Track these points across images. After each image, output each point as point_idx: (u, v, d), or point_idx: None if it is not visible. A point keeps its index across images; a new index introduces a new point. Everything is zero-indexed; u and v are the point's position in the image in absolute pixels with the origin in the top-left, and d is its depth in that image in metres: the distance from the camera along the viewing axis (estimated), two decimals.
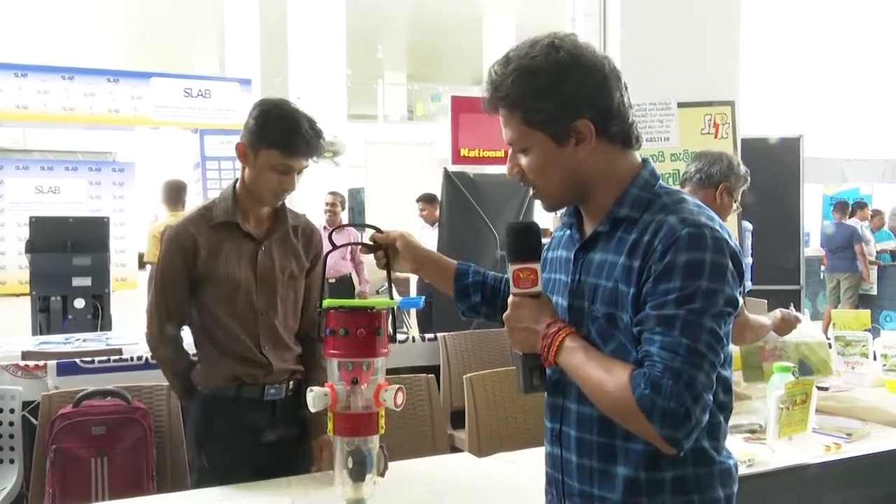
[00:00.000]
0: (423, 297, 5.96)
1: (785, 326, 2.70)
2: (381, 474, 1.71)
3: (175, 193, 5.61)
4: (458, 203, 5.30)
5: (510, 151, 1.41)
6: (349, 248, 6.01)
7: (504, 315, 1.41)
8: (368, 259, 6.29)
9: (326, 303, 1.64)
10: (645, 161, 1.40)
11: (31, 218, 5.48)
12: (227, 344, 2.13)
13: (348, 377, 1.65)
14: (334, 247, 1.78)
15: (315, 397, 1.62)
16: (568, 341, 1.32)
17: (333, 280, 6.25)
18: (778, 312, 2.71)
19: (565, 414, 1.40)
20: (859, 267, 9.02)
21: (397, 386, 1.67)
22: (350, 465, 1.67)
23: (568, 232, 1.48)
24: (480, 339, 3.94)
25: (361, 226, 2.02)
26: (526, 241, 1.41)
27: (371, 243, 1.68)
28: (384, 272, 1.70)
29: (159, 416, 2.64)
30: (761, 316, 2.72)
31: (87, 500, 2.39)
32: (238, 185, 2.14)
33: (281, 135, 2.03)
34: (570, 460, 1.39)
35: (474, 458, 2.20)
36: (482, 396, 2.83)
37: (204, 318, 2.15)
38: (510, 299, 1.40)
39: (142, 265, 14.42)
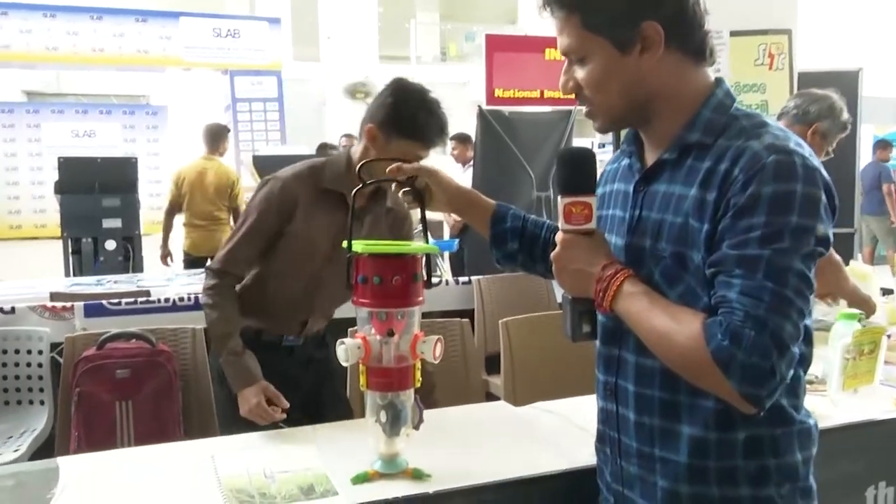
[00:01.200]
0: (457, 240, 5.86)
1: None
2: (416, 427, 1.60)
3: (215, 137, 5.55)
4: (492, 142, 5.11)
5: (565, 63, 1.24)
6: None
7: (552, 255, 1.25)
8: None
9: (359, 247, 1.50)
10: (718, 80, 1.23)
11: (59, 158, 5.40)
12: (272, 302, 2.09)
13: (382, 328, 1.52)
14: (364, 184, 1.62)
15: (347, 350, 1.50)
16: (627, 285, 1.17)
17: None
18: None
19: (622, 366, 1.26)
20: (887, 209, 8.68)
21: (436, 337, 1.54)
22: (383, 420, 1.55)
23: (626, 162, 1.32)
24: (516, 283, 3.80)
25: (392, 160, 1.93)
26: (580, 171, 1.25)
27: (403, 179, 1.53)
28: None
29: (184, 359, 2.56)
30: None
31: (112, 444, 2.32)
32: (355, 158, 2.03)
33: (420, 127, 1.94)
34: (627, 417, 1.25)
35: (511, 406, 2.07)
36: (518, 342, 2.70)
37: (265, 270, 2.09)
38: (559, 237, 1.25)
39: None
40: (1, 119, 12.11)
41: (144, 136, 12.68)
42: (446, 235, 6.51)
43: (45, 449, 2.59)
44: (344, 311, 2.01)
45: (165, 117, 12.93)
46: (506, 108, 5.37)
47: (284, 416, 1.92)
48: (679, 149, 1.19)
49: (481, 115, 5.14)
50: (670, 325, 1.12)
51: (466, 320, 2.80)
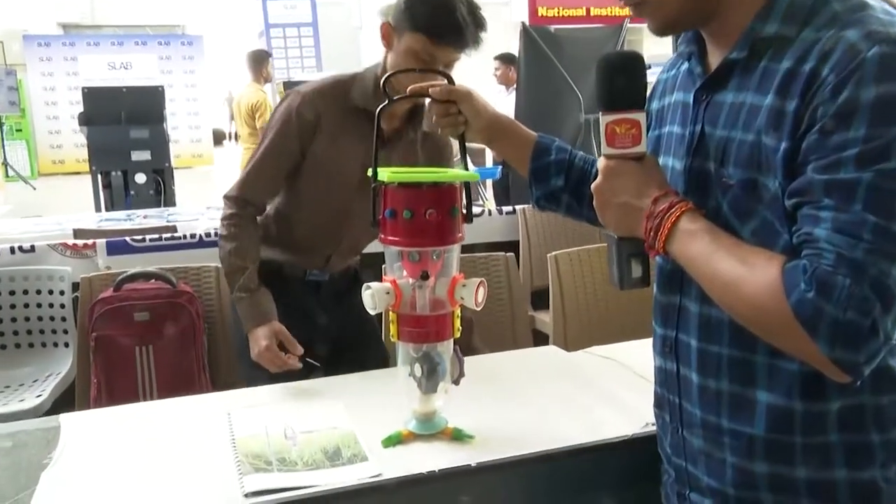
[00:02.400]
0: (500, 166, 5.58)
1: None
2: (456, 382, 1.39)
3: (256, 63, 5.83)
4: (536, 61, 4.77)
5: None
6: None
7: (593, 185, 1.01)
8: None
9: (385, 175, 1.27)
10: None
11: (83, 89, 5.21)
12: (295, 234, 1.89)
13: (415, 270, 1.30)
14: (390, 100, 1.36)
15: (374, 295, 1.28)
16: (685, 222, 0.92)
17: None
18: None
19: (683, 317, 1.02)
20: None
21: (478, 280, 1.31)
22: (418, 374, 1.34)
23: (685, 66, 1.05)
24: None
25: (432, 71, 1.69)
26: (626, 81, 0.98)
27: (441, 99, 1.28)
28: None
29: (209, 300, 2.38)
30: None
31: (133, 392, 2.18)
32: (380, 70, 1.77)
33: (430, 17, 1.65)
34: (689, 379, 1.02)
35: (562, 352, 1.85)
36: (569, 278, 2.46)
37: (288, 200, 1.88)
38: (601, 163, 1.00)
39: (217, 141, 14.38)
40: (38, 52, 12.03)
41: (181, 66, 12.50)
42: (489, 161, 6.23)
43: (69, 394, 2.46)
44: (378, 245, 1.79)
45: (201, 47, 12.70)
46: (551, 26, 5.02)
47: (299, 364, 1.72)
48: (750, 45, 0.92)
49: (525, 32, 4.80)
50: (739, 272, 0.87)
51: (511, 254, 2.56)
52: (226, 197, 1.84)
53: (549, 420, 1.43)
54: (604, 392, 1.56)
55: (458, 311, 1.35)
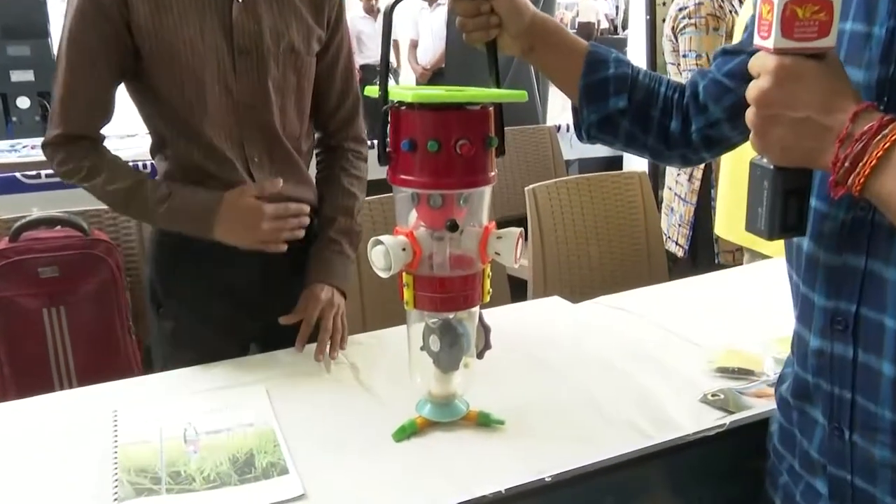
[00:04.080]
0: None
1: None
2: (479, 355, 1.12)
3: None
4: None
5: None
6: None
7: (757, 91, 0.71)
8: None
9: (402, 93, 0.96)
10: None
11: None
12: (189, 158, 1.34)
13: (438, 219, 1.01)
14: None
15: (388, 253, 0.98)
16: None
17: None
18: None
19: (872, 287, 0.76)
20: None
21: (517, 230, 1.03)
22: (435, 349, 1.07)
23: None
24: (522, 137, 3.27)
25: None
26: None
27: None
28: None
29: (130, 248, 2.00)
30: None
31: (44, 365, 1.81)
32: None
33: None
34: (875, 370, 0.77)
35: (568, 304, 1.61)
36: (548, 215, 2.18)
37: (155, 118, 1.36)
38: (769, 62, 0.70)
39: None
40: None
41: None
42: (412, 82, 5.85)
43: None
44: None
45: None
46: None
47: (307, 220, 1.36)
48: None
49: None
50: None
51: None
52: (46, 145, 1.33)
53: (593, 394, 1.19)
54: (636, 353, 1.32)
55: (488, 270, 1.07)
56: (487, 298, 1.08)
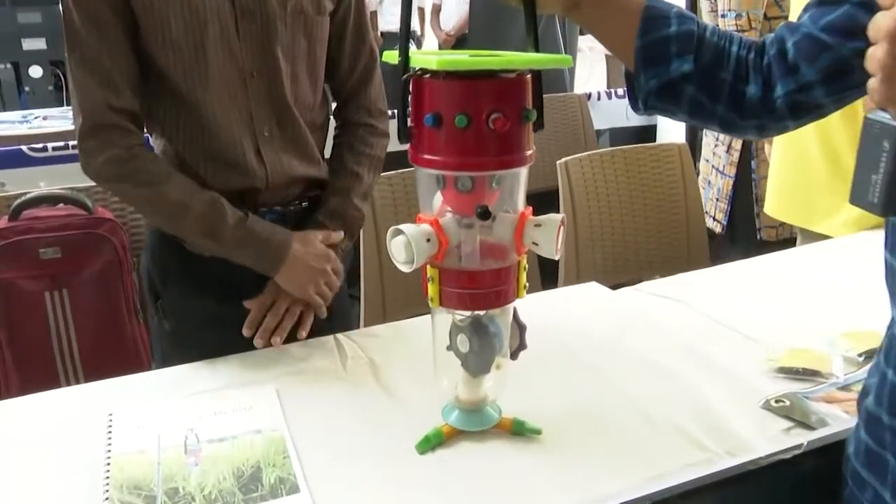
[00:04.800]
0: None
1: None
2: (514, 356, 1.00)
3: None
4: None
5: None
6: None
7: (890, 25, 0.57)
8: None
9: (422, 59, 0.82)
10: None
11: None
12: (190, 136, 1.20)
13: (466, 204, 0.88)
14: None
15: (410, 244, 0.86)
16: None
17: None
18: None
19: None
20: None
21: (558, 217, 0.90)
22: (464, 350, 0.94)
23: None
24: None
25: None
26: None
27: None
28: None
29: (136, 227, 1.89)
30: None
31: (46, 351, 1.71)
32: None
33: None
34: None
35: (605, 290, 1.47)
36: (581, 190, 2.04)
37: (150, 91, 1.19)
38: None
39: None
40: None
41: None
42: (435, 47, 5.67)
43: None
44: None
45: None
46: None
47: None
48: None
49: None
50: None
51: None
52: (83, 135, 1.13)
53: (638, 398, 1.06)
54: (686, 349, 1.19)
55: (524, 262, 0.94)
56: (524, 294, 0.95)
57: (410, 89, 0.85)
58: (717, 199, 2.56)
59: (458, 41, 5.14)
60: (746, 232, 2.51)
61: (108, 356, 1.73)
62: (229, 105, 1.18)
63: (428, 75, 0.84)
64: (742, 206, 2.50)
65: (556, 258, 0.92)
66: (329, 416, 1.05)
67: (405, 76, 0.85)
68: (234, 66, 1.17)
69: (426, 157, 0.86)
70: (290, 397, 1.09)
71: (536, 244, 0.90)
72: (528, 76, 0.86)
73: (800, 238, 1.87)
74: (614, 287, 1.47)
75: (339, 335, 1.27)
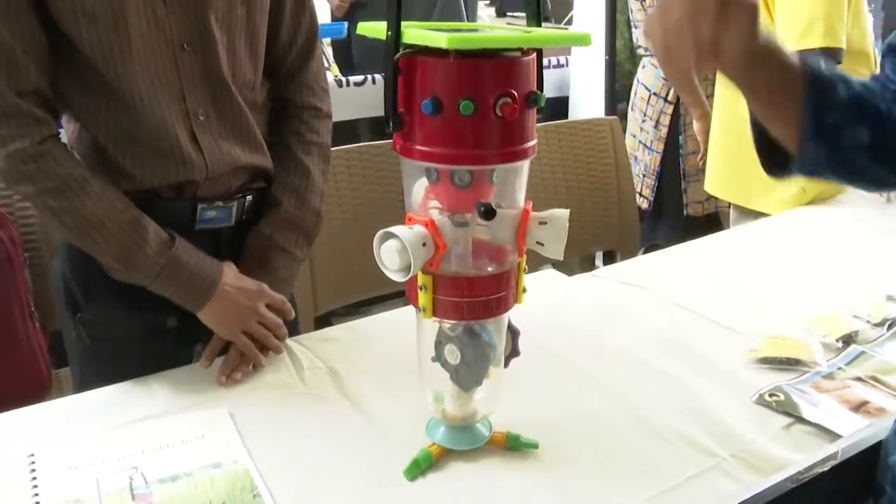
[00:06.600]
0: (345, 23, 4.81)
1: None
2: (505, 364, 0.91)
3: None
4: None
5: None
6: None
7: None
8: None
9: (427, 36, 0.70)
10: None
11: None
12: (109, 119, 1.02)
13: (464, 201, 0.77)
14: None
15: (404, 249, 0.74)
16: None
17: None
18: None
19: None
20: None
21: (564, 212, 0.81)
22: (454, 361, 0.84)
23: None
24: None
25: None
26: None
27: None
28: None
29: (28, 223, 1.66)
30: None
31: None
32: None
33: None
34: None
35: (562, 276, 1.39)
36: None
37: (61, 71, 1.00)
38: None
39: None
40: None
41: None
42: (325, 16, 5.42)
43: None
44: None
45: None
46: None
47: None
48: None
49: None
50: None
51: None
52: None
53: (629, 399, 0.99)
54: (668, 343, 1.13)
55: (524, 264, 0.85)
56: (523, 299, 0.86)
57: (400, 70, 0.73)
58: (645, 175, 2.54)
59: (353, 7, 4.92)
60: (672, 208, 2.51)
61: (1, 365, 1.52)
62: (157, 83, 1.01)
63: (423, 55, 0.72)
64: (669, 183, 2.50)
65: (561, 259, 0.83)
66: (296, 440, 0.92)
67: (396, 56, 0.72)
68: (161, 36, 1.00)
69: (419, 148, 0.75)
70: (247, 421, 0.95)
71: (541, 244, 0.81)
72: (534, 56, 0.76)
73: (733, 214, 1.87)
74: (556, 266, 1.39)
75: (289, 341, 1.14)
